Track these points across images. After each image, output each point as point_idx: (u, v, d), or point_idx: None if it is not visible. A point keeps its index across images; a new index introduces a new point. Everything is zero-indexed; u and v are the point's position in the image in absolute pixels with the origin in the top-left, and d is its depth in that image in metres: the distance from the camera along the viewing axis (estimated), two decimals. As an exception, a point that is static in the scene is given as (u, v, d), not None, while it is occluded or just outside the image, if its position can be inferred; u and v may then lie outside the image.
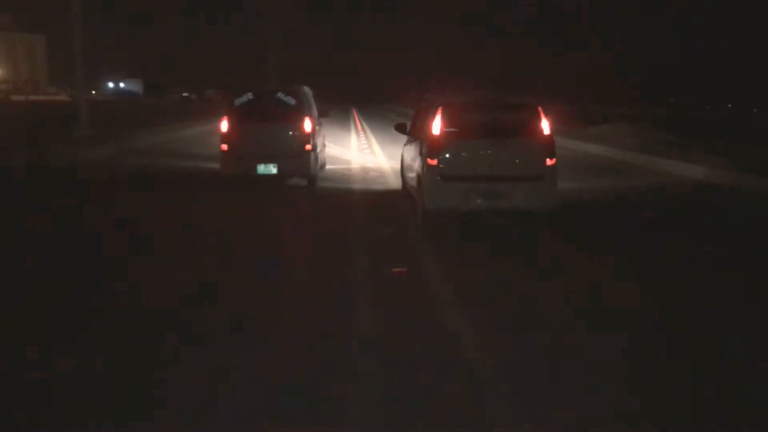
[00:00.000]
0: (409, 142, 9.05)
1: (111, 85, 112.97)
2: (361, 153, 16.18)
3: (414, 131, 8.80)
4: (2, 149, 13.44)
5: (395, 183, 10.50)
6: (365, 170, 12.62)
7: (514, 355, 3.96)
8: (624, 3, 58.24)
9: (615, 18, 57.97)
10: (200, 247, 6.65)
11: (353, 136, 21.93)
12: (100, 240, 6.90)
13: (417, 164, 7.89)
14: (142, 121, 22.87)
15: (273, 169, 9.26)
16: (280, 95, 9.51)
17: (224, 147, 9.30)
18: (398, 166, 10.29)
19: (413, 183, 8.21)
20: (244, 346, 4.02)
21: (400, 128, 9.45)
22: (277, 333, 4.27)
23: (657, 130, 19.05)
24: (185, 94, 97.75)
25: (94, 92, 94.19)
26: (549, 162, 7.44)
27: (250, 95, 9.48)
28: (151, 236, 7.11)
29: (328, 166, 11.91)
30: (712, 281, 5.69)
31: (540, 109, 7.65)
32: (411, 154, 8.56)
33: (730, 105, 58.94)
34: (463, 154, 7.40)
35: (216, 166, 10.21)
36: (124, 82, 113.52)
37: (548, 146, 7.49)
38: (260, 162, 9.20)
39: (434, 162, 7.34)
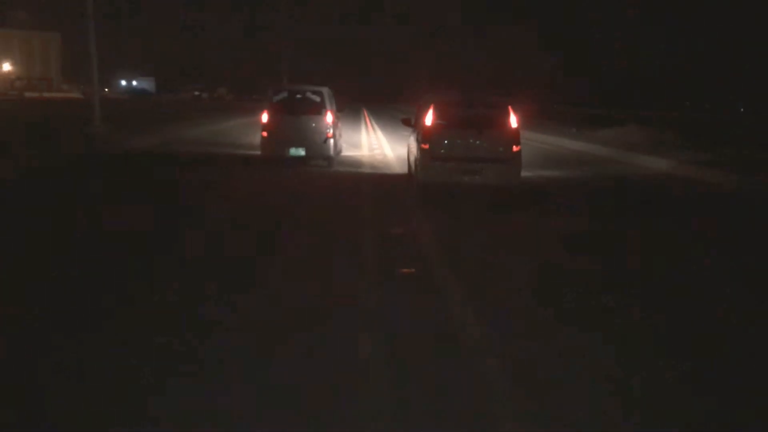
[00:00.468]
0: (412, 133, 11.57)
1: (124, 83, 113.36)
2: (370, 148, 18.75)
3: (415, 124, 11.33)
4: (53, 142, 15.82)
5: (397, 169, 13.06)
6: (373, 159, 15.22)
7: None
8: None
9: (617, 22, 60.06)
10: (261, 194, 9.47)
11: (363, 134, 24.57)
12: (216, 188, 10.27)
13: (415, 149, 10.46)
14: (171, 118, 25.64)
15: (302, 152, 11.98)
16: (308, 94, 12.19)
17: (264, 134, 12.05)
18: (399, 156, 12.80)
19: (413, 163, 10.79)
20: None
21: (406, 122, 11.98)
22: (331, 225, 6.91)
23: (661, 132, 20.59)
24: (197, 93, 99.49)
25: (107, 90, 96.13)
26: (515, 149, 9.92)
27: (285, 93, 12.19)
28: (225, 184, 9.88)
29: (343, 154, 14.53)
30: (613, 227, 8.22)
31: (510, 107, 10.14)
32: (412, 141, 11.11)
33: (743, 110, 60.11)
34: (448, 140, 9.94)
35: (251, 152, 12.86)
36: (137, 81, 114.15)
37: (515, 137, 9.97)
38: (292, 146, 11.90)
39: (426, 146, 9.86)
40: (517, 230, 8.04)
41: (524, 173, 10.34)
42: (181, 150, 16.06)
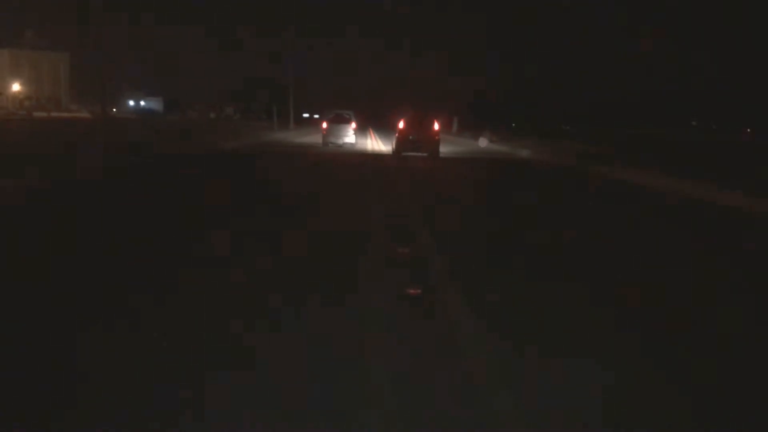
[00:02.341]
0: (394, 132, 26.80)
1: (131, 103, 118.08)
2: (373, 145, 33.99)
3: (395, 128, 26.55)
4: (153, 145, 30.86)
5: (386, 152, 28.20)
6: (374, 149, 30.45)
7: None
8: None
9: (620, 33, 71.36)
10: (320, 155, 24.55)
11: (369, 140, 40.03)
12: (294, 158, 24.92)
13: (394, 138, 25.78)
14: (223, 135, 40.83)
15: (340, 141, 27.69)
16: (344, 114, 27.68)
17: (324, 132, 27.77)
18: (388, 149, 27.98)
19: (393, 144, 26.12)
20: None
21: (393, 126, 27.30)
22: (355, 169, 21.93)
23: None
24: (212, 115, 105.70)
25: (114, 110, 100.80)
26: (436, 138, 25.30)
27: (332, 114, 27.75)
28: (298, 157, 24.97)
29: (357, 146, 29.74)
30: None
31: (435, 119, 25.52)
32: (394, 136, 26.37)
33: (749, 129, 67.27)
34: (408, 133, 25.16)
35: (308, 143, 28.03)
36: (144, 100, 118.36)
37: (437, 132, 25.34)
38: (336, 138, 27.50)
39: (398, 136, 25.22)
40: (430, 166, 23.18)
41: (452, 156, 25.46)
42: (270, 145, 31.11)
